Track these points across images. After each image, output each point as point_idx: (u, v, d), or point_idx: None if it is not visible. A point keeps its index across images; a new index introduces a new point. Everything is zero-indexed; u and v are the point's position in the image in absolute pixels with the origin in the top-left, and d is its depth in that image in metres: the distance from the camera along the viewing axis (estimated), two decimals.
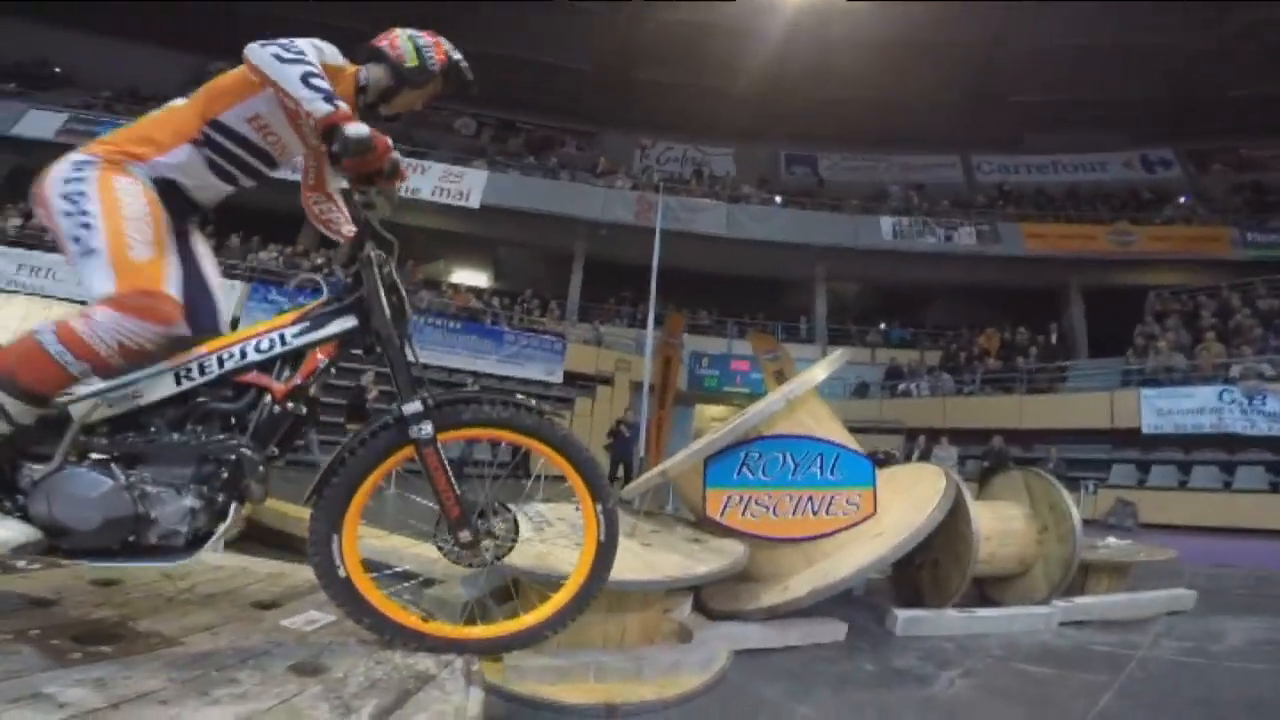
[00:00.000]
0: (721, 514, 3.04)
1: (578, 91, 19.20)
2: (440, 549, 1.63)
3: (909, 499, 3.32)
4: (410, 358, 1.60)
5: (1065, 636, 3.28)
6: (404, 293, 1.66)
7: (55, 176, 1.56)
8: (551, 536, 2.95)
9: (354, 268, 1.62)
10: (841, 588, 2.93)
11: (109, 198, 1.52)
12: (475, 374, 11.99)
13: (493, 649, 1.70)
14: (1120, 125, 18.54)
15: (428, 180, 14.84)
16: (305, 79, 1.53)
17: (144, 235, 1.51)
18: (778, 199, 17.46)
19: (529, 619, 1.70)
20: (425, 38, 1.86)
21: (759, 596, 3.15)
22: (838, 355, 3.35)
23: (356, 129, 1.49)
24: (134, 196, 1.54)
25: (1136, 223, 15.78)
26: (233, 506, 1.50)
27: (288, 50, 1.56)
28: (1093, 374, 12.55)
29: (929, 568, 3.55)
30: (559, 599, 1.70)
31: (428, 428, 1.55)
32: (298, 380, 1.56)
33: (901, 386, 14.11)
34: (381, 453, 1.57)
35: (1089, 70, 17.45)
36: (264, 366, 1.54)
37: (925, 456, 10.35)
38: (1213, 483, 9.39)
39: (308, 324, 1.58)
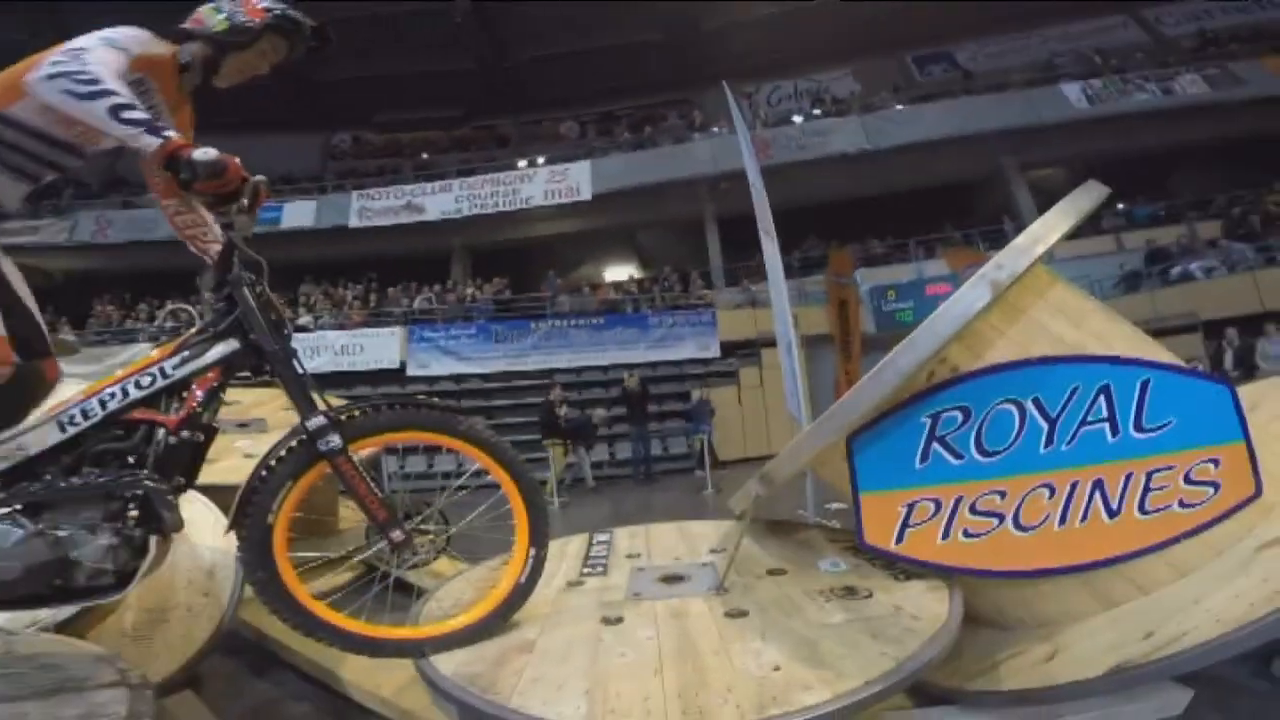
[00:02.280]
0: (898, 540, 1.59)
1: (658, 62, 17.84)
2: (377, 564, 1.69)
3: None
4: (299, 371, 1.58)
5: None
6: (280, 309, 1.62)
7: None
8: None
9: (225, 290, 1.59)
10: (1195, 664, 1.38)
11: None
12: (628, 366, 11.28)
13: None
14: None
15: (536, 186, 14.63)
16: (116, 113, 1.41)
17: None
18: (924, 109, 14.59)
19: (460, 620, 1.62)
20: (228, 2, 1.78)
21: (999, 666, 1.70)
22: (1082, 191, 1.68)
23: (204, 154, 1.44)
24: None
25: None
26: (152, 540, 1.49)
27: (79, 82, 1.42)
28: None
29: None
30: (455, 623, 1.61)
31: (335, 439, 1.54)
32: (187, 411, 1.54)
33: (1177, 270, 10.55)
34: (294, 472, 1.56)
35: None
36: (148, 402, 1.52)
37: (1244, 358, 7.24)
38: None
39: (186, 354, 1.55)
